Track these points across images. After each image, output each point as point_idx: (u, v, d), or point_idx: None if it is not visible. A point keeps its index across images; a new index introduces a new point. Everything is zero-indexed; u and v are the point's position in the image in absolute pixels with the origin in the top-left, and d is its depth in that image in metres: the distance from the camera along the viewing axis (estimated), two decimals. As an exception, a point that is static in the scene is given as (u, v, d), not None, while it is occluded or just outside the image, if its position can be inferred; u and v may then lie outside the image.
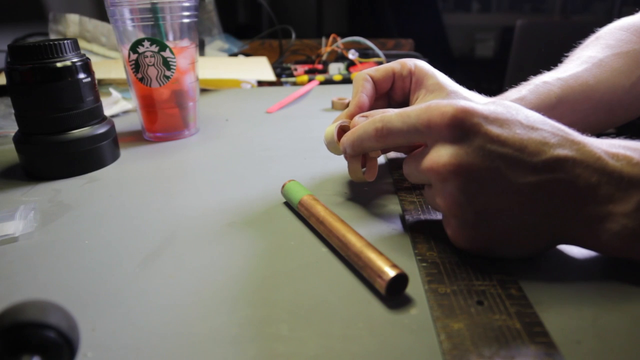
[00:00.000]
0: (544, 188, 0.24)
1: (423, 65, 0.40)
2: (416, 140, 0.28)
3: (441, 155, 0.25)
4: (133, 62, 0.48)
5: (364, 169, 0.36)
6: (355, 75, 0.40)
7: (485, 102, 0.26)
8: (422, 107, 0.27)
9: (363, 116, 0.36)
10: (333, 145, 0.36)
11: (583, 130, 0.26)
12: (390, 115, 0.29)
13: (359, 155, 0.34)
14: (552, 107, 0.39)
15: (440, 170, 0.25)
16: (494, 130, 0.24)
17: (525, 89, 0.41)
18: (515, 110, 0.25)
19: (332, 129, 0.36)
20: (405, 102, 0.41)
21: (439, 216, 0.32)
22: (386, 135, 0.29)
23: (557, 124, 0.25)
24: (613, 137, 0.26)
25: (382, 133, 0.29)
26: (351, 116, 0.38)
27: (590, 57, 0.43)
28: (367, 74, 0.40)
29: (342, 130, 0.36)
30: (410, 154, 0.29)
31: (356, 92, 0.39)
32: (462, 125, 0.24)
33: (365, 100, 0.38)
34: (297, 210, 0.33)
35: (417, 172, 0.28)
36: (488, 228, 0.25)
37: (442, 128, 0.25)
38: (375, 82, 0.40)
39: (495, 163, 0.24)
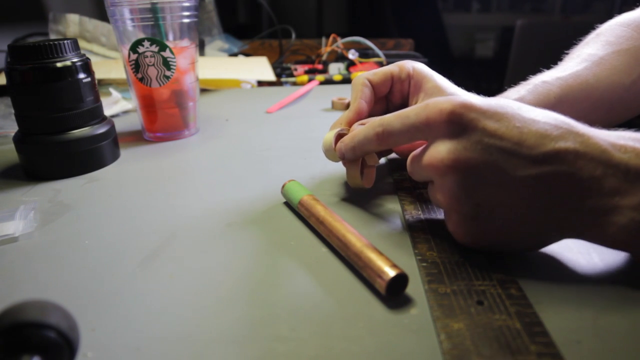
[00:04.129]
0: (545, 181, 0.24)
1: (421, 68, 0.40)
2: (417, 139, 0.28)
3: (439, 151, 0.25)
4: (133, 62, 0.48)
5: (362, 175, 0.36)
6: (354, 79, 0.40)
7: (485, 99, 0.26)
8: (420, 106, 0.27)
9: (361, 124, 0.36)
10: (331, 153, 0.36)
11: None
12: (390, 117, 0.29)
13: (358, 158, 0.34)
14: (552, 106, 0.39)
15: (439, 165, 0.25)
16: (492, 124, 0.24)
17: (524, 89, 0.41)
18: (516, 105, 0.25)
19: (330, 136, 0.36)
20: (403, 105, 0.41)
21: (439, 216, 0.32)
22: (387, 137, 0.29)
23: (561, 117, 0.25)
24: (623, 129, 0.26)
25: (382, 136, 0.29)
26: (350, 123, 0.38)
27: (590, 55, 0.43)
28: (365, 78, 0.40)
29: (341, 137, 0.36)
30: (413, 153, 0.29)
31: (355, 98, 0.39)
32: (460, 121, 0.25)
33: (364, 106, 0.38)
34: (297, 210, 0.33)
35: (420, 169, 0.28)
36: (489, 222, 0.25)
37: (441, 124, 0.25)
38: (374, 86, 0.39)
39: (493, 157, 0.24)
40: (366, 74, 0.40)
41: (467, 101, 0.25)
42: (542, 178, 0.24)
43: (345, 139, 0.33)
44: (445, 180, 0.25)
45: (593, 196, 0.23)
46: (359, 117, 0.38)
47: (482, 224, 0.26)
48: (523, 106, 0.26)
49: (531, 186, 0.24)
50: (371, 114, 0.39)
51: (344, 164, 0.35)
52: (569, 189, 0.24)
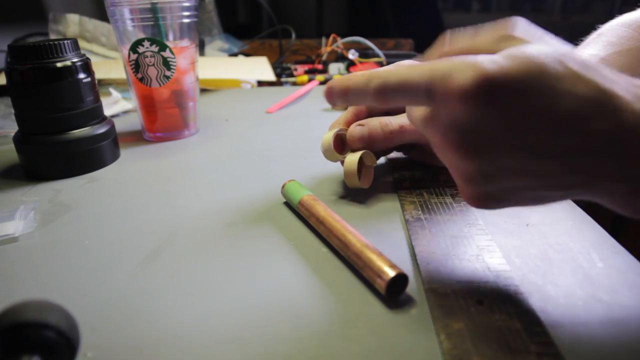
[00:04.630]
0: (574, 156, 0.21)
1: None
2: (419, 104, 0.25)
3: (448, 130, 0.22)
4: (133, 62, 0.48)
5: (360, 175, 0.36)
6: None
7: (512, 56, 0.21)
8: (431, 68, 0.23)
9: (360, 124, 0.36)
10: (330, 153, 0.36)
11: None
12: (386, 73, 0.24)
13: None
14: None
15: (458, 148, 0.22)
16: (519, 106, 0.21)
17: None
18: (550, 72, 0.21)
19: (329, 137, 0.36)
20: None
21: (439, 215, 0.32)
22: (381, 95, 0.25)
23: (597, 80, 0.21)
24: None
25: (377, 93, 0.25)
26: (348, 123, 0.38)
27: (591, 56, 0.43)
28: None
29: (339, 138, 0.36)
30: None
31: None
32: (482, 103, 0.21)
33: (362, 107, 0.38)
34: (297, 210, 0.33)
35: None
36: (507, 183, 0.23)
37: (456, 103, 0.21)
38: None
39: (518, 137, 0.21)
40: None
41: (491, 75, 0.21)
42: (572, 155, 0.21)
43: (335, 81, 0.27)
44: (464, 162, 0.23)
45: (618, 177, 0.21)
46: (357, 117, 0.38)
47: (489, 183, 0.23)
48: (559, 73, 0.21)
49: (558, 152, 0.21)
50: (370, 114, 0.39)
51: (342, 164, 0.35)
52: (598, 164, 0.21)
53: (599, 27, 0.46)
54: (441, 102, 0.22)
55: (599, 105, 0.21)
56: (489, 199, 0.24)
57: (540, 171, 0.22)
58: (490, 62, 0.21)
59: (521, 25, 0.24)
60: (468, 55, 0.22)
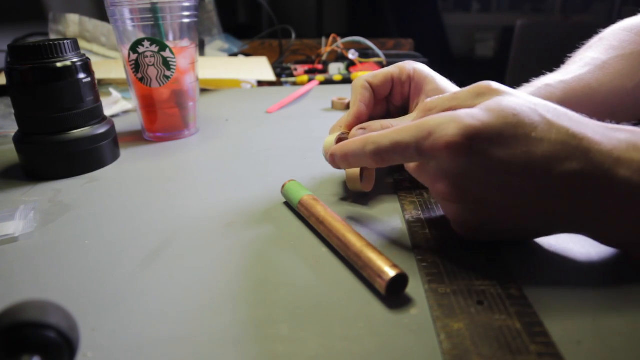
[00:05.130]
0: (551, 195, 0.24)
1: (422, 69, 0.40)
2: (412, 161, 0.28)
3: (441, 182, 0.26)
4: (133, 62, 0.48)
5: (362, 178, 0.36)
6: (354, 81, 0.40)
7: (489, 109, 0.24)
8: (417, 126, 0.25)
9: (361, 128, 0.36)
10: None
11: None
12: (379, 136, 0.27)
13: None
14: None
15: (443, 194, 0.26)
16: (499, 152, 0.23)
17: (526, 91, 0.41)
18: (525, 121, 0.24)
19: (331, 140, 0.36)
20: (404, 107, 0.41)
21: (439, 215, 0.32)
22: (376, 157, 0.28)
23: (567, 126, 0.24)
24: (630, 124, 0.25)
25: (372, 156, 0.28)
26: (349, 127, 0.38)
27: (593, 59, 0.43)
28: (365, 80, 0.39)
29: (341, 142, 0.36)
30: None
31: (354, 102, 0.38)
32: (470, 157, 0.24)
33: (363, 109, 0.38)
34: (297, 210, 0.33)
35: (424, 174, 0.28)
36: (492, 217, 0.26)
37: (445, 159, 0.24)
38: (374, 88, 0.39)
39: (501, 181, 0.24)
40: (366, 76, 0.40)
41: (472, 128, 0.23)
42: (549, 193, 0.24)
43: (336, 148, 0.31)
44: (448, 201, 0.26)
45: (593, 211, 0.24)
46: (359, 120, 0.38)
47: (484, 218, 0.26)
48: (533, 122, 0.24)
49: (537, 199, 0.25)
50: (371, 116, 0.39)
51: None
52: (573, 202, 0.24)
53: (600, 31, 0.46)
54: (430, 156, 0.25)
55: (571, 148, 0.23)
56: (479, 233, 0.27)
57: (524, 209, 0.25)
58: (470, 116, 0.24)
59: (495, 84, 0.27)
60: (449, 111, 0.25)
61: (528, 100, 0.25)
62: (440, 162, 0.25)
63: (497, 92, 0.26)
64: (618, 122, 0.26)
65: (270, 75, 0.81)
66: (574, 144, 0.23)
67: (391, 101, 0.41)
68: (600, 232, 0.25)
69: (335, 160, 0.31)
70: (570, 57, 0.46)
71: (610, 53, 0.43)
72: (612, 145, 0.24)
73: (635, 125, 0.25)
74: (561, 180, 0.23)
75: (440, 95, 0.28)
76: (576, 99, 0.40)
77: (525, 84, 0.43)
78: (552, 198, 0.24)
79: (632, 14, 0.46)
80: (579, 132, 0.24)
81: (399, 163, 0.28)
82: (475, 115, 0.24)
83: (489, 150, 0.23)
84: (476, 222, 0.27)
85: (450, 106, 0.27)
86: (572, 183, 0.23)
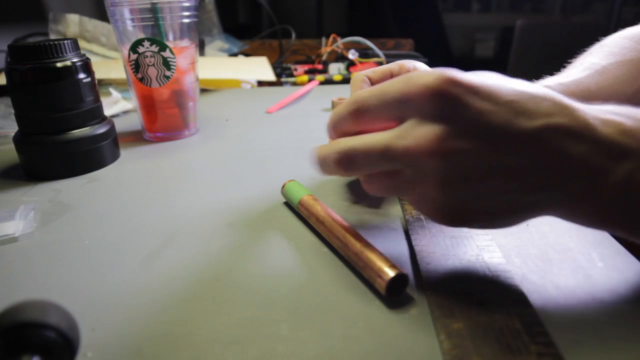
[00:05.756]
0: (533, 161, 0.23)
1: (423, 67, 0.40)
2: (396, 117, 0.25)
3: (424, 135, 0.23)
4: (133, 62, 0.48)
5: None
6: (353, 76, 0.40)
7: (470, 73, 0.24)
8: (401, 80, 0.24)
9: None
10: None
11: None
12: (365, 93, 0.26)
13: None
14: None
15: (424, 152, 0.23)
16: (481, 103, 0.23)
17: None
18: (504, 78, 0.24)
19: None
20: None
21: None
22: (362, 115, 0.26)
23: (549, 91, 0.24)
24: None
25: (357, 114, 0.26)
26: None
27: (593, 64, 0.43)
28: (364, 75, 0.39)
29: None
30: (368, 138, 0.26)
31: (352, 93, 0.39)
32: (447, 99, 0.23)
33: None
34: (297, 210, 0.33)
35: (390, 155, 0.25)
36: (471, 204, 0.24)
37: (425, 102, 0.23)
38: (373, 83, 0.39)
39: (483, 141, 0.23)
40: (366, 72, 0.40)
41: (453, 76, 0.23)
42: (531, 157, 0.23)
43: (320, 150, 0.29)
44: (428, 168, 0.23)
45: (577, 176, 0.23)
46: None
47: (462, 207, 0.24)
48: (511, 79, 0.24)
49: (520, 168, 0.23)
50: None
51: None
52: (556, 169, 0.23)
53: (601, 39, 0.47)
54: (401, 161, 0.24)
55: (558, 107, 0.23)
56: (463, 213, 0.25)
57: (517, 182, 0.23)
58: (454, 70, 0.23)
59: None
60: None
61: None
62: (419, 114, 0.24)
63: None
64: None
65: (270, 75, 0.81)
66: (556, 100, 0.23)
67: None
68: (580, 209, 0.24)
69: (319, 164, 0.28)
70: (570, 62, 0.46)
71: (610, 59, 0.43)
72: (585, 107, 0.24)
73: None
74: (549, 135, 0.22)
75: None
76: None
77: None
78: (546, 159, 0.23)
79: (631, 14, 0.46)
80: (555, 93, 0.24)
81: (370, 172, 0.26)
82: (454, 72, 0.24)
83: (472, 100, 0.23)
84: (460, 207, 0.24)
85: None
86: (558, 139, 0.23)
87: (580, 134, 0.23)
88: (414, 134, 0.23)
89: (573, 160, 0.23)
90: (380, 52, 0.91)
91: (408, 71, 0.40)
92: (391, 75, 0.40)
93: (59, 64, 0.40)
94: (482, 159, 0.23)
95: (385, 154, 0.24)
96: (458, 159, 0.23)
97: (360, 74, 0.40)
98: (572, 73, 0.43)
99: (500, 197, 0.24)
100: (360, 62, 0.90)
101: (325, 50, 0.92)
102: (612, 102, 0.42)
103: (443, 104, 0.23)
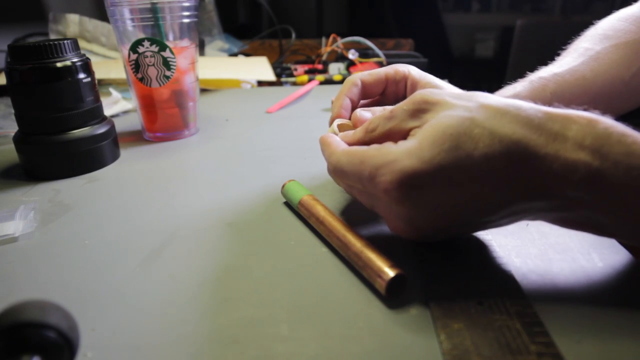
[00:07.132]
0: (507, 190, 0.23)
1: (417, 70, 0.40)
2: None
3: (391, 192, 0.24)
4: (133, 62, 0.48)
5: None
6: (347, 78, 0.40)
7: (425, 137, 0.24)
8: (360, 167, 0.26)
9: (367, 111, 0.36)
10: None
11: None
12: (344, 160, 0.28)
13: None
14: (547, 102, 0.39)
15: (392, 201, 0.25)
16: (442, 189, 0.23)
17: (520, 85, 0.41)
18: (462, 140, 0.23)
19: (332, 128, 0.35)
20: None
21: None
22: (341, 176, 0.28)
23: (509, 132, 0.23)
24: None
25: (336, 174, 0.29)
26: (332, 120, 0.38)
27: (587, 50, 0.42)
28: (358, 77, 0.39)
29: (341, 127, 0.36)
30: (352, 150, 0.28)
31: (339, 95, 0.38)
32: (405, 198, 0.24)
33: (347, 103, 0.38)
34: (297, 210, 0.33)
35: (359, 183, 0.27)
36: (442, 221, 0.25)
37: (383, 196, 0.25)
38: (366, 86, 0.39)
39: (451, 203, 0.24)
40: (360, 74, 0.40)
41: (407, 174, 0.23)
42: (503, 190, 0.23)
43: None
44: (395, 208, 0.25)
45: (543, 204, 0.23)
46: (346, 112, 0.38)
47: (432, 224, 0.25)
48: (473, 137, 0.23)
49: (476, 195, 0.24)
50: (354, 108, 0.39)
51: None
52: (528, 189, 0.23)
53: (596, 22, 0.46)
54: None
55: (515, 155, 0.22)
56: (432, 236, 0.26)
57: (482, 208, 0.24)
58: (407, 156, 0.23)
59: (430, 94, 0.26)
60: (387, 145, 0.25)
61: (467, 108, 0.24)
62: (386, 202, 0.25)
63: (433, 106, 0.25)
64: (615, 114, 0.25)
65: (270, 75, 0.81)
66: (517, 151, 0.22)
67: (384, 101, 0.41)
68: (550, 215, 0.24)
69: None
70: (564, 49, 0.45)
71: (605, 43, 0.42)
72: (555, 148, 0.22)
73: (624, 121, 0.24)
74: (507, 184, 0.23)
75: (379, 115, 0.28)
76: (570, 91, 0.40)
77: (520, 80, 0.43)
78: (509, 192, 0.23)
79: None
80: (522, 136, 0.23)
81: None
82: (412, 153, 0.23)
83: (430, 188, 0.23)
84: (431, 229, 0.26)
85: (390, 128, 0.27)
86: (521, 187, 0.23)
87: (547, 176, 0.22)
88: (381, 187, 0.25)
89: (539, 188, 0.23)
90: (380, 52, 0.91)
91: (403, 75, 0.40)
92: (386, 79, 0.40)
93: (59, 64, 0.40)
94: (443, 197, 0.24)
95: (360, 182, 0.26)
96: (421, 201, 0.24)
97: (354, 76, 0.40)
98: (567, 61, 0.42)
99: (467, 210, 0.24)
100: (360, 62, 0.90)
101: (325, 50, 0.92)
102: (610, 89, 0.42)
103: (405, 202, 0.24)
